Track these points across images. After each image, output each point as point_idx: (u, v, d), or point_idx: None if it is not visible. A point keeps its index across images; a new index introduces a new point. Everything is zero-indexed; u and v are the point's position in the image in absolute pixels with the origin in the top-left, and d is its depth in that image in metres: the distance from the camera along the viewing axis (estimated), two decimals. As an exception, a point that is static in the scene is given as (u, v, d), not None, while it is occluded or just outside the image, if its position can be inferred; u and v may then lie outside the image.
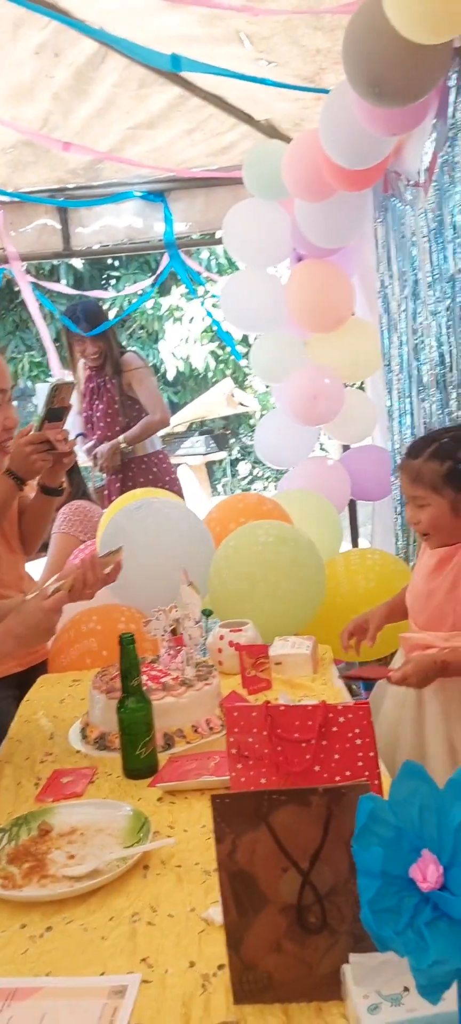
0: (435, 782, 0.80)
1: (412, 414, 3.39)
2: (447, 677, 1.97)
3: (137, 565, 2.71)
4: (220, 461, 12.78)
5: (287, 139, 3.84)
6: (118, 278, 12.04)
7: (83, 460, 4.36)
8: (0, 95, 3.48)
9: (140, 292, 9.01)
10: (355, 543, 4.91)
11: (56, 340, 10.53)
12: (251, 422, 12.90)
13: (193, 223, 4.63)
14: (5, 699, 2.24)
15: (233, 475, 13.14)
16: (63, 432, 2.21)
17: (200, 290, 8.25)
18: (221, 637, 2.28)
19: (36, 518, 2.42)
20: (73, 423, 4.42)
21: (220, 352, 12.42)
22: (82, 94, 3.52)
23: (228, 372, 12.46)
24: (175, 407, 12.26)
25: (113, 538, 2.85)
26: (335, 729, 1.28)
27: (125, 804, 1.52)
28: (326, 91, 3.09)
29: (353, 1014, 0.92)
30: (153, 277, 5.25)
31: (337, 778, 1.27)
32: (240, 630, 2.29)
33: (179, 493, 4.30)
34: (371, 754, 1.27)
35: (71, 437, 2.27)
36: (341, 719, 1.28)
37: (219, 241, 4.50)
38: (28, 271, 4.89)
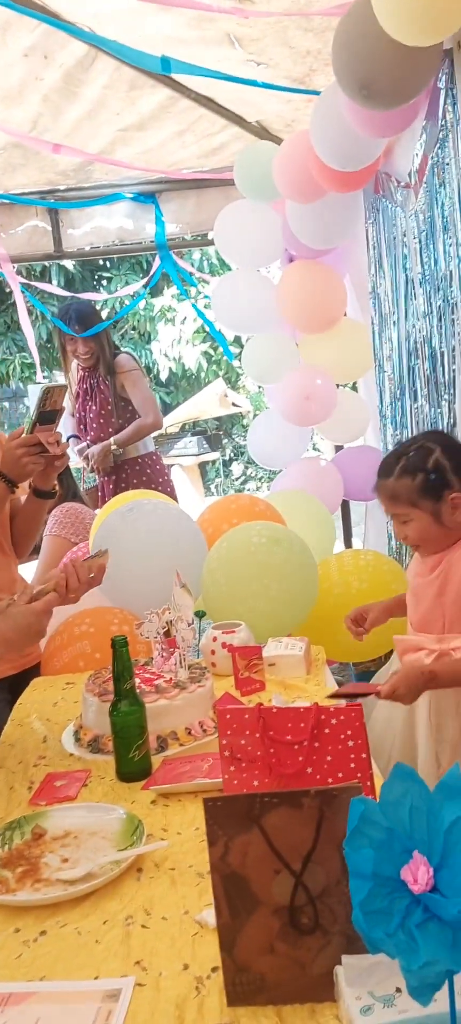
0: (426, 784, 0.80)
1: (404, 414, 3.40)
2: (436, 688, 1.96)
3: (130, 567, 2.72)
4: (213, 462, 12.79)
5: (278, 140, 3.84)
6: (110, 279, 12.04)
7: (74, 462, 4.36)
8: (-10, 97, 3.48)
9: (132, 294, 9.02)
10: (348, 544, 4.92)
11: (48, 341, 10.49)
12: (244, 422, 12.91)
13: (184, 224, 4.64)
14: (-2, 702, 2.24)
15: (226, 476, 13.15)
16: (55, 435, 2.21)
17: (192, 291, 8.25)
18: (214, 639, 2.28)
19: (28, 521, 2.42)
20: (65, 425, 4.42)
21: (212, 352, 12.42)
22: (72, 96, 3.51)
23: (220, 373, 12.47)
24: (167, 408, 12.26)
25: (106, 540, 2.85)
26: (327, 731, 1.29)
27: (118, 807, 1.52)
28: (317, 92, 3.09)
29: (346, 1015, 0.93)
30: (145, 279, 5.26)
31: (329, 780, 1.28)
32: (233, 631, 2.29)
33: (172, 495, 4.30)
34: (363, 756, 1.27)
35: (63, 439, 2.27)
36: (333, 721, 1.28)
37: (211, 242, 4.51)
38: (19, 273, 4.88)
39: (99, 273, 12.36)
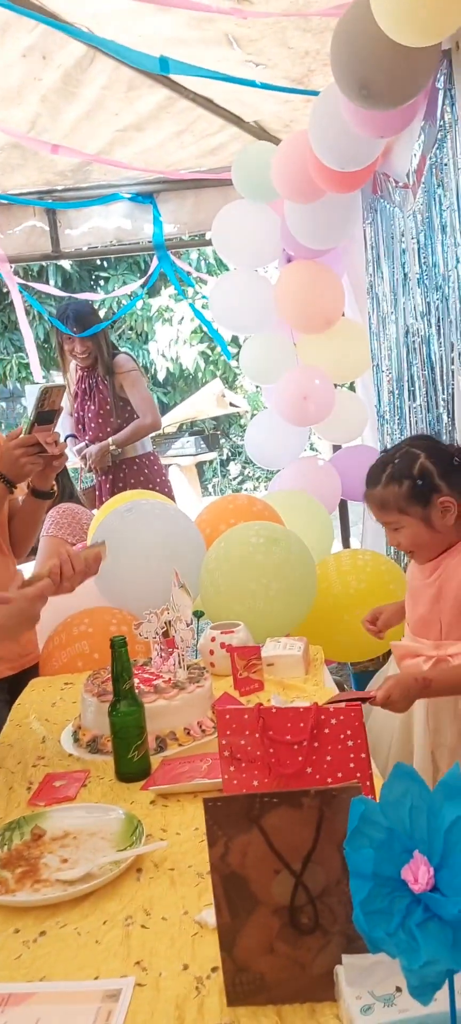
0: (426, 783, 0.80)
1: (402, 414, 3.40)
2: (430, 696, 1.95)
3: (128, 567, 2.72)
4: (210, 462, 12.79)
5: (276, 140, 3.84)
6: (107, 279, 12.03)
7: (72, 462, 4.36)
8: (-12, 97, 3.48)
9: (130, 294, 9.02)
10: (346, 544, 4.92)
11: (45, 341, 10.49)
12: (241, 422, 12.92)
13: (182, 225, 4.64)
14: (-4, 703, 2.24)
15: (223, 475, 13.15)
16: (53, 435, 2.21)
17: (189, 291, 8.25)
18: (213, 639, 2.28)
19: (26, 521, 2.42)
20: (63, 424, 4.42)
21: (210, 353, 12.43)
22: (70, 96, 3.51)
23: (218, 373, 12.47)
24: (165, 408, 12.26)
25: (104, 539, 2.85)
26: (327, 731, 1.29)
27: (118, 807, 1.52)
28: (315, 93, 3.10)
29: (346, 1015, 0.93)
30: (143, 280, 5.26)
31: (329, 780, 1.28)
32: (232, 632, 2.29)
33: (169, 495, 4.31)
34: (363, 755, 1.28)
35: (61, 439, 2.27)
36: (333, 721, 1.28)
37: (208, 243, 4.51)
38: (16, 273, 4.88)
39: (96, 273, 12.36)
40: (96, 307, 4.77)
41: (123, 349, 4.64)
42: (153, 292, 11.86)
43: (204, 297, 7.93)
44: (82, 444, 4.42)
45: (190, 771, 1.62)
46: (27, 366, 11.99)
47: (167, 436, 11.73)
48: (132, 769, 1.67)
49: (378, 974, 0.93)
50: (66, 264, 11.33)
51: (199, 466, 12.23)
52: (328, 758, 1.28)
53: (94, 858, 1.36)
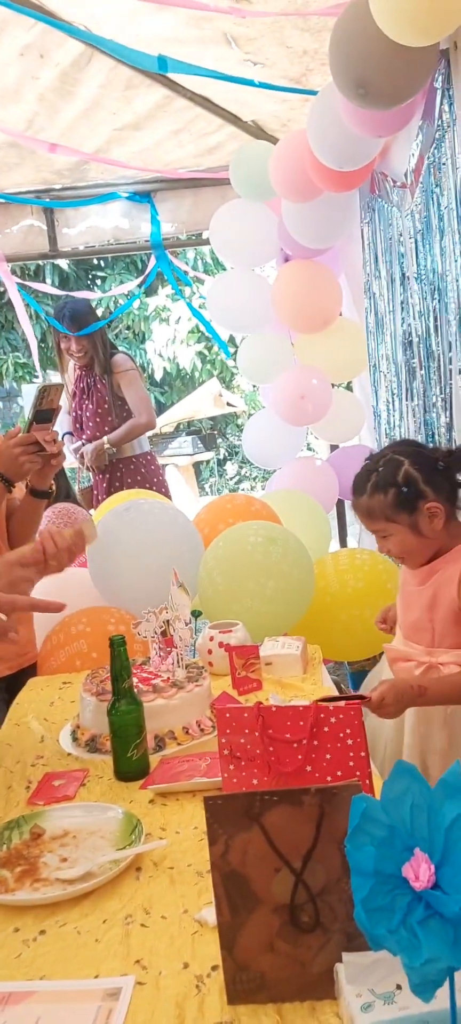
0: (427, 781, 0.80)
1: (400, 414, 3.41)
2: (424, 704, 1.94)
3: (126, 567, 2.72)
4: (207, 461, 12.80)
5: (274, 140, 3.84)
6: (104, 278, 12.03)
7: (69, 461, 4.37)
8: (-15, 96, 3.48)
9: (127, 294, 9.01)
10: (343, 543, 4.93)
11: (42, 341, 10.49)
12: (238, 422, 12.93)
13: (180, 224, 4.64)
14: (-6, 702, 2.24)
15: (220, 475, 13.16)
16: (52, 433, 2.21)
17: (186, 290, 8.25)
18: (211, 638, 2.28)
19: (24, 521, 2.41)
20: (61, 422, 4.42)
21: (207, 352, 12.43)
22: (68, 95, 3.51)
23: (215, 372, 12.48)
24: (162, 407, 12.27)
25: (102, 540, 2.85)
26: (326, 729, 1.29)
27: (117, 806, 1.52)
28: (313, 92, 3.10)
29: (346, 1013, 0.93)
30: (140, 279, 5.26)
31: (328, 778, 1.28)
32: (230, 631, 2.29)
33: (166, 495, 4.31)
34: (362, 754, 1.28)
35: (59, 437, 2.27)
36: (332, 719, 1.29)
37: (206, 242, 4.51)
38: (13, 272, 4.88)
39: (93, 272, 12.36)
40: (94, 306, 4.77)
41: (121, 349, 4.65)
42: (150, 292, 11.85)
43: (202, 297, 7.94)
44: (79, 443, 4.43)
45: (189, 770, 1.62)
46: (24, 366, 11.98)
47: (164, 436, 11.73)
48: (131, 768, 1.67)
49: (378, 972, 0.93)
50: (63, 263, 11.32)
51: (196, 466, 12.25)
52: (328, 756, 1.29)
53: (93, 857, 1.36)
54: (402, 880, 0.77)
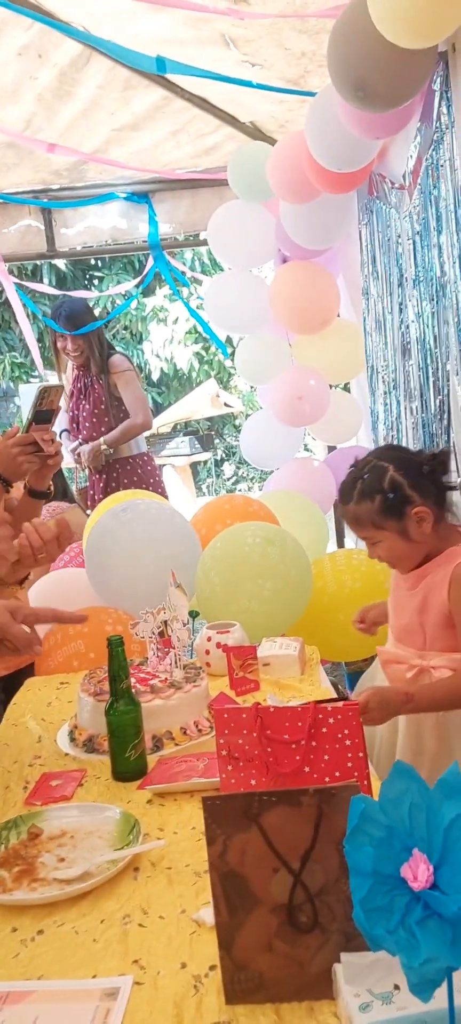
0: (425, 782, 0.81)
1: (397, 416, 3.41)
2: (410, 712, 1.94)
3: (124, 567, 2.72)
4: (205, 462, 12.80)
5: (272, 141, 3.85)
6: (101, 278, 12.02)
7: (67, 462, 4.37)
8: (-17, 96, 3.48)
9: (124, 294, 9.01)
10: (341, 543, 4.93)
11: (38, 340, 10.51)
12: (235, 423, 12.93)
13: (178, 224, 4.64)
14: (-8, 703, 2.24)
15: (217, 476, 13.16)
16: (50, 434, 2.21)
17: (184, 291, 8.25)
18: (209, 639, 2.29)
19: (22, 521, 2.40)
20: (58, 420, 4.43)
21: (204, 353, 12.43)
22: (66, 95, 3.51)
23: (212, 373, 12.48)
24: (159, 408, 12.26)
25: (100, 540, 2.85)
26: (325, 730, 1.29)
27: (115, 807, 1.52)
28: (311, 94, 3.10)
29: (344, 1012, 0.93)
30: (138, 280, 5.26)
31: (326, 779, 1.28)
32: (228, 631, 2.29)
33: (163, 495, 4.31)
34: (360, 755, 1.28)
35: (57, 437, 2.27)
36: (331, 720, 1.29)
37: (204, 242, 4.51)
38: (10, 271, 4.88)
39: (91, 272, 12.35)
40: (91, 306, 4.77)
41: (118, 349, 4.65)
42: (148, 292, 11.86)
43: (199, 298, 7.94)
44: (76, 443, 4.43)
45: (187, 770, 1.62)
46: (20, 366, 11.98)
47: (162, 436, 11.73)
48: (129, 768, 1.67)
49: (376, 972, 0.93)
50: (60, 263, 11.32)
51: (193, 466, 12.24)
52: (326, 757, 1.29)
53: (91, 857, 1.36)
54: (401, 880, 0.77)
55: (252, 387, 9.70)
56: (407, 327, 3.14)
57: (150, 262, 4.77)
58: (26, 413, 2.21)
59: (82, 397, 4.41)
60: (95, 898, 1.27)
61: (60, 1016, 1.04)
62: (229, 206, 3.92)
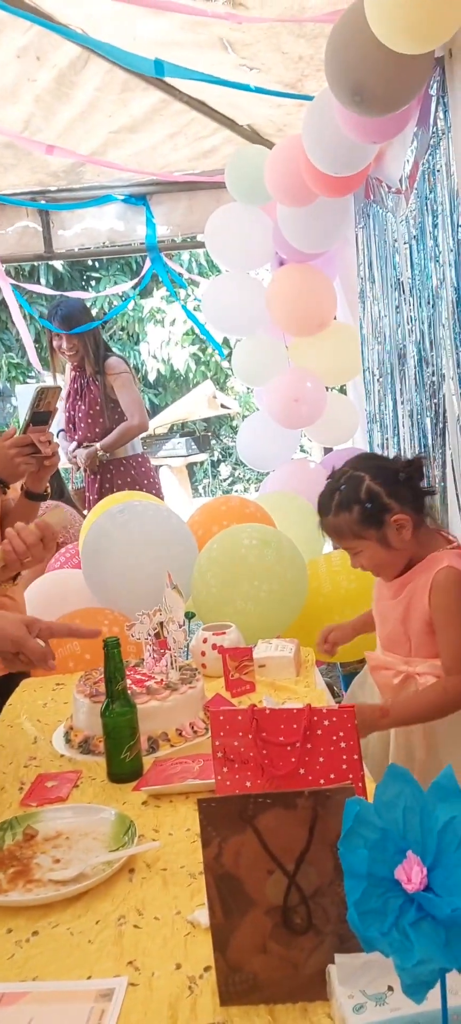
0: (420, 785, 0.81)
1: (392, 418, 3.42)
2: (387, 728, 1.94)
3: (120, 568, 2.72)
4: (201, 463, 12.79)
5: (269, 144, 3.86)
6: (98, 280, 12.02)
7: (63, 462, 4.38)
8: (-19, 98, 3.48)
9: (121, 295, 9.01)
10: (336, 545, 4.93)
11: (35, 341, 10.52)
12: (232, 424, 12.93)
13: (175, 227, 4.65)
14: (-13, 704, 2.23)
15: (214, 476, 13.16)
16: (47, 435, 2.21)
17: (181, 293, 8.26)
18: (204, 640, 2.29)
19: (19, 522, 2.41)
20: (55, 420, 4.44)
21: (201, 355, 12.43)
22: (64, 97, 3.52)
23: (209, 374, 12.48)
24: (156, 409, 12.25)
25: (96, 541, 2.86)
26: (320, 732, 1.30)
27: (110, 808, 1.52)
28: (308, 97, 3.11)
29: (338, 1014, 0.94)
30: (135, 281, 5.27)
31: (322, 781, 1.29)
32: (223, 633, 2.30)
33: (158, 496, 4.32)
34: (355, 757, 1.29)
35: (54, 437, 2.27)
36: (326, 722, 1.29)
37: (201, 244, 4.52)
38: (7, 272, 4.88)
39: (88, 274, 12.35)
40: (88, 306, 4.78)
41: (115, 351, 4.66)
42: (145, 293, 11.86)
43: (197, 300, 7.94)
44: (73, 445, 4.44)
45: (182, 772, 1.63)
46: (17, 366, 11.96)
47: (158, 437, 11.72)
48: (124, 770, 1.67)
49: (370, 973, 0.93)
50: (57, 264, 11.31)
51: (190, 467, 12.23)
52: (321, 759, 1.29)
53: (86, 858, 1.36)
54: (395, 882, 0.77)
55: (249, 389, 9.71)
56: (403, 330, 3.15)
57: (147, 264, 4.78)
58: (23, 414, 2.22)
59: (78, 398, 4.42)
60: (90, 899, 1.27)
61: (55, 1017, 1.04)
62: (227, 209, 3.93)
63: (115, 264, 11.91)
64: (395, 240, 3.16)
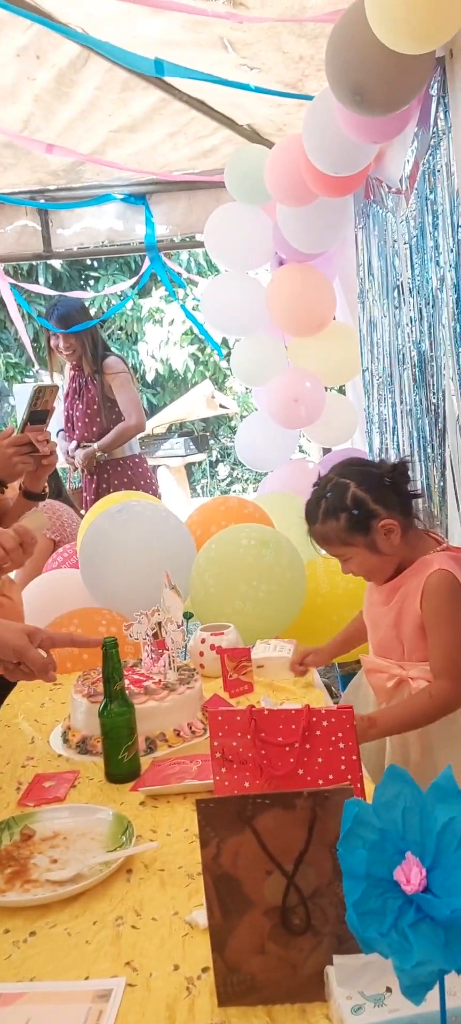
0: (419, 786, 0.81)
1: (391, 419, 3.42)
2: (375, 737, 1.92)
3: (118, 568, 2.72)
4: (199, 463, 12.79)
5: (269, 144, 3.86)
6: (97, 279, 12.01)
7: (61, 462, 4.38)
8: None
9: (119, 294, 9.01)
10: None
11: (34, 340, 10.51)
12: (231, 424, 12.93)
13: (174, 226, 4.65)
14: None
15: (212, 477, 13.16)
16: (45, 434, 2.20)
17: (180, 292, 8.26)
18: (203, 640, 2.29)
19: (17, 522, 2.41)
20: (55, 419, 4.45)
21: (199, 355, 12.43)
22: (64, 96, 3.51)
23: (208, 374, 12.48)
24: (154, 409, 12.25)
25: (95, 541, 2.85)
26: (318, 733, 1.29)
27: (107, 808, 1.52)
28: (308, 97, 3.11)
29: (336, 1015, 0.93)
30: (133, 280, 5.27)
31: (320, 781, 1.29)
32: (221, 633, 2.30)
33: (155, 496, 4.32)
34: (354, 757, 1.28)
35: (53, 434, 2.27)
36: (325, 723, 1.29)
37: (200, 244, 4.52)
38: (6, 271, 4.88)
39: (87, 273, 12.34)
40: (87, 306, 4.78)
41: (114, 351, 4.66)
42: (144, 293, 11.85)
43: (195, 299, 7.94)
44: (72, 444, 4.44)
45: (180, 772, 1.62)
46: (15, 365, 11.95)
47: (156, 437, 11.72)
48: (122, 770, 1.66)
49: (369, 974, 0.93)
50: (56, 263, 11.30)
51: (188, 467, 12.23)
52: (319, 760, 1.29)
53: (84, 859, 1.36)
54: (393, 883, 0.77)
55: (247, 389, 9.70)
56: (403, 331, 3.15)
57: (146, 263, 4.77)
58: (21, 413, 2.21)
59: (77, 397, 4.43)
60: (88, 900, 1.27)
61: (52, 1017, 1.04)
62: (226, 208, 3.92)
63: (114, 264, 11.91)
64: (395, 240, 3.16)
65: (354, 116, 2.47)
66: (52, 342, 4.42)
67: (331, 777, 1.28)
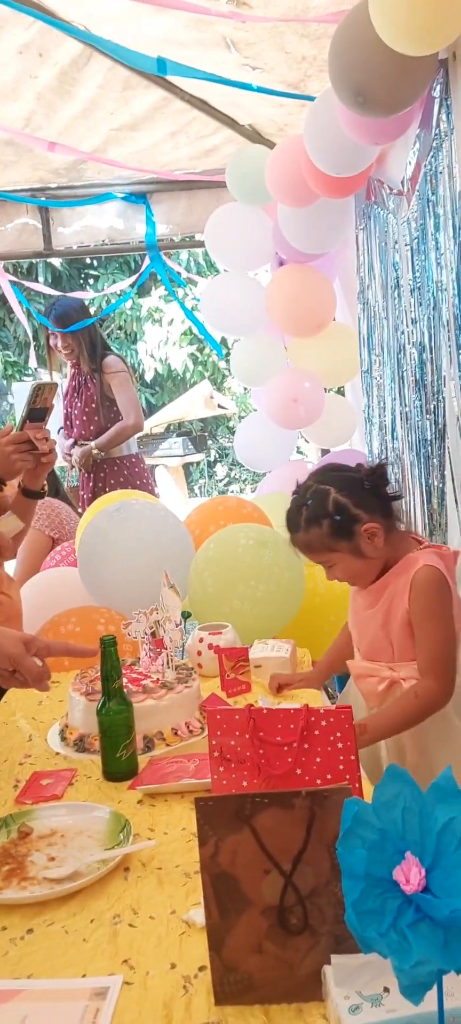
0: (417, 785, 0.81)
1: (391, 420, 3.42)
2: (367, 744, 1.92)
3: (116, 567, 2.72)
4: (197, 463, 12.79)
5: (270, 144, 3.85)
6: (97, 278, 12.01)
7: (59, 460, 4.39)
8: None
9: (119, 292, 9.01)
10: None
11: (33, 338, 10.53)
12: (229, 424, 12.93)
13: (175, 225, 4.65)
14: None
15: (210, 477, 13.16)
16: (44, 432, 2.20)
17: (179, 292, 8.25)
18: (200, 640, 2.29)
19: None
20: (55, 417, 4.45)
21: (198, 355, 12.43)
22: (66, 95, 3.51)
23: (207, 374, 12.48)
24: (153, 408, 12.25)
25: (93, 540, 2.85)
26: (317, 732, 1.29)
27: (105, 806, 1.52)
28: (311, 98, 3.11)
29: (334, 1015, 0.93)
30: (133, 278, 5.27)
31: (318, 781, 1.29)
32: (219, 633, 2.30)
33: (151, 496, 4.32)
34: (352, 757, 1.28)
35: (53, 432, 2.27)
36: (323, 723, 1.29)
37: (201, 244, 4.52)
38: (6, 269, 4.88)
39: (86, 271, 12.34)
40: (86, 305, 4.78)
41: (113, 350, 4.66)
42: (143, 293, 11.85)
43: (195, 299, 7.94)
44: (69, 442, 4.45)
45: (178, 771, 1.62)
46: (14, 364, 11.95)
47: (155, 437, 11.71)
48: (120, 768, 1.66)
49: (366, 975, 0.93)
50: (56, 262, 11.30)
51: (186, 467, 12.22)
52: (318, 759, 1.29)
53: (81, 856, 1.36)
54: (393, 883, 0.77)
55: (246, 389, 9.70)
56: (403, 332, 3.15)
57: (146, 262, 4.77)
58: (20, 411, 2.21)
59: (75, 395, 4.43)
60: (85, 898, 1.27)
61: (49, 1015, 1.03)
62: (227, 208, 3.92)
63: (114, 262, 11.91)
64: (396, 242, 3.15)
65: (356, 117, 2.47)
66: (51, 341, 4.43)
67: (329, 777, 1.28)
